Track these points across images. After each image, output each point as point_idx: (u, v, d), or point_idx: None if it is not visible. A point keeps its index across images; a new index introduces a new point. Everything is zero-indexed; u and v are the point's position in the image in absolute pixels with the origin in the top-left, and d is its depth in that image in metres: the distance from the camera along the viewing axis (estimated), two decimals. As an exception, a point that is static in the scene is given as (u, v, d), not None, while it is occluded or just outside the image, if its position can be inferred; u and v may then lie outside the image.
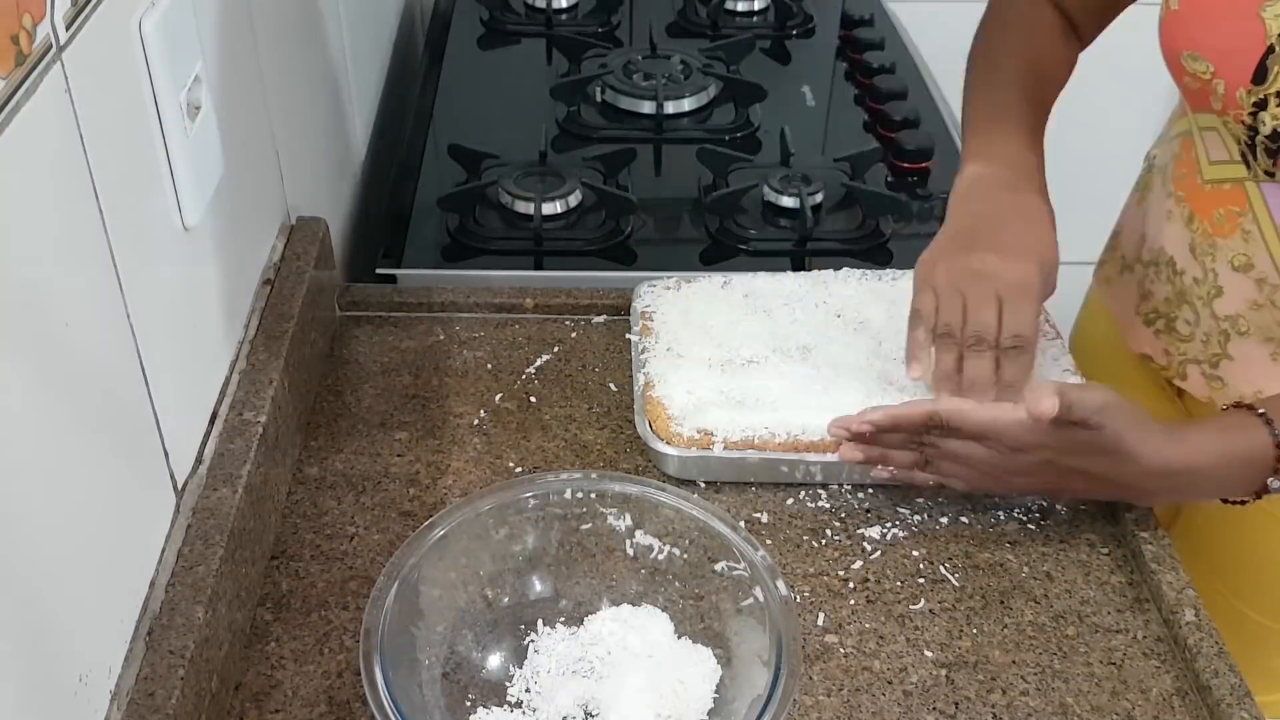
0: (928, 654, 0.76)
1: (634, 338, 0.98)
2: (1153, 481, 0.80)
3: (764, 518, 0.86)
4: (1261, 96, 0.82)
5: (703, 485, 0.88)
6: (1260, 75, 0.81)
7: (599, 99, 1.42)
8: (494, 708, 0.70)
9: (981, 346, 0.82)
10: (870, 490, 0.88)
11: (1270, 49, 0.81)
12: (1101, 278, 1.12)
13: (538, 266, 1.15)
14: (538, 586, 0.77)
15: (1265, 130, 0.83)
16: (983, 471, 0.82)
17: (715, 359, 0.93)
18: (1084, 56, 1.02)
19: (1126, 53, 1.11)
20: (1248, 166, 0.87)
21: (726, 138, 1.36)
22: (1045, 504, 0.87)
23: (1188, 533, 1.06)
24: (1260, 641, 1.03)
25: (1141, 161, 1.08)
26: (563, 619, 0.76)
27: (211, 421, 0.80)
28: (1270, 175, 0.86)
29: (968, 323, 0.83)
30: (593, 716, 0.71)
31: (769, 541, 0.84)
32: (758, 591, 0.71)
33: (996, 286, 0.82)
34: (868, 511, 0.87)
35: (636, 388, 0.92)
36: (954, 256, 0.85)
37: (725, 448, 0.86)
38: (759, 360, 0.92)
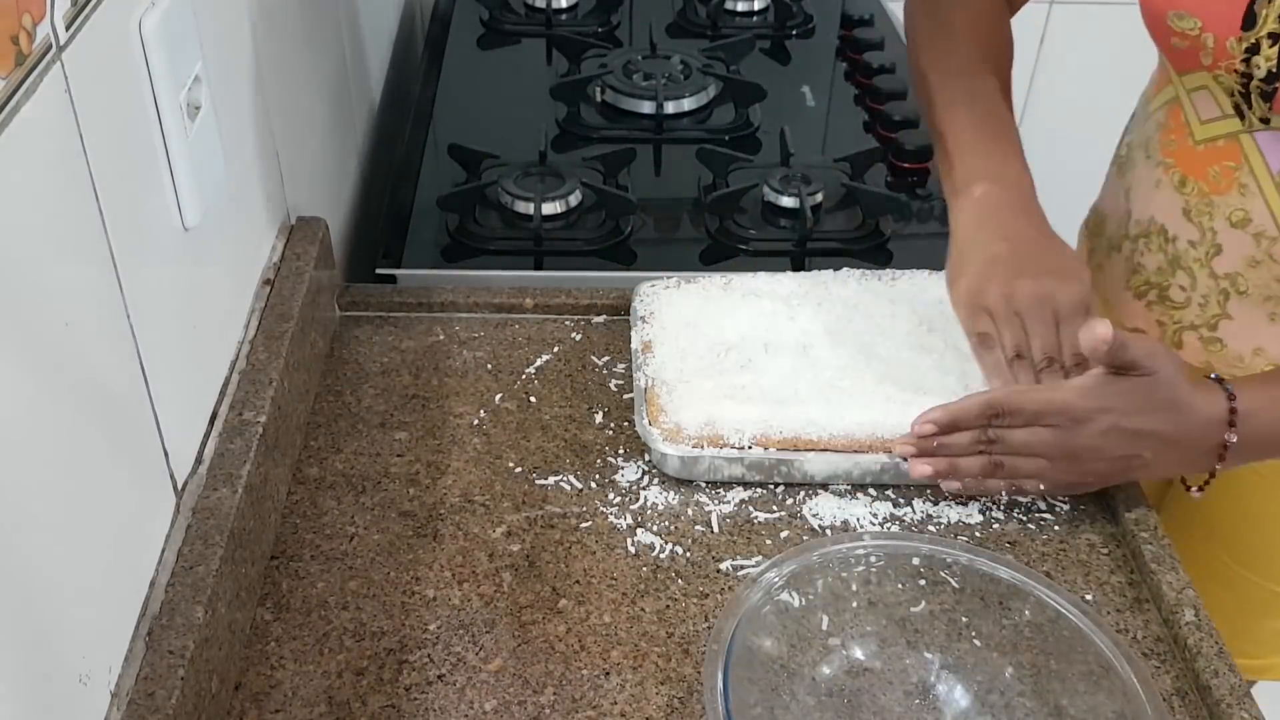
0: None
1: (634, 337, 0.98)
2: (1216, 432, 0.81)
3: (764, 517, 0.86)
4: (1254, 41, 0.83)
5: (703, 485, 0.88)
6: (1249, 21, 0.83)
7: (599, 99, 1.42)
8: None
9: (1054, 366, 0.85)
10: (870, 490, 0.88)
11: None
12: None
13: (538, 266, 1.15)
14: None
15: (1260, 74, 0.84)
16: (1054, 458, 0.82)
17: (715, 359, 0.93)
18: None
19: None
20: (1241, 117, 0.88)
21: (726, 138, 1.36)
22: (1045, 503, 0.88)
23: (1183, 500, 1.06)
24: (1263, 605, 1.04)
25: (1115, 148, 1.09)
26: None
27: (211, 421, 0.80)
28: (1266, 122, 0.87)
29: (1036, 345, 0.85)
30: None
31: (769, 542, 0.84)
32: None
33: (1054, 307, 0.85)
34: (868, 512, 0.87)
35: (636, 388, 0.92)
36: (1007, 281, 0.87)
37: (726, 447, 0.86)
38: (758, 360, 0.92)
